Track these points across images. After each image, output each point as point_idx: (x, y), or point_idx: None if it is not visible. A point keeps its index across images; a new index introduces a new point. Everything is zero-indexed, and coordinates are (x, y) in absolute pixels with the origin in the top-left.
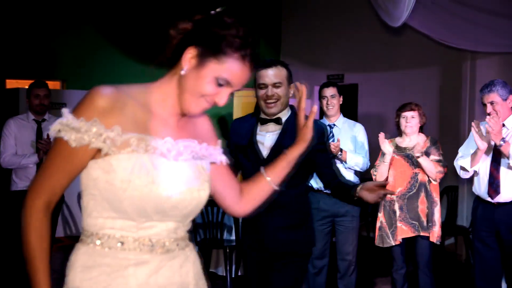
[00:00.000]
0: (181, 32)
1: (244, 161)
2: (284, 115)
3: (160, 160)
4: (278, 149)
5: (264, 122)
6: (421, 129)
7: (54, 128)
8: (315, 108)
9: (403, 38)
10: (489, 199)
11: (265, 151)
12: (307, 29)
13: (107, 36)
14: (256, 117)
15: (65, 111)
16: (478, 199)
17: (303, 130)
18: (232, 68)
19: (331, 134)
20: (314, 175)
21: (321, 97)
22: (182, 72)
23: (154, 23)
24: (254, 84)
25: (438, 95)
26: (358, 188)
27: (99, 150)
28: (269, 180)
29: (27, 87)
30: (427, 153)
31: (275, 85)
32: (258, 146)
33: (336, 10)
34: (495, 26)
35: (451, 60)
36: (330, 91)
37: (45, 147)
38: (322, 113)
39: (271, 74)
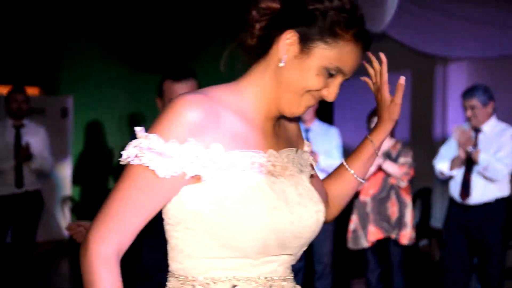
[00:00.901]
0: (267, 13)
1: None
2: None
3: (271, 179)
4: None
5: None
6: (392, 133)
7: (129, 153)
8: (403, 79)
9: (375, 43)
10: (461, 201)
11: None
12: None
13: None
14: None
15: (140, 130)
16: (451, 200)
17: (390, 107)
18: (344, 52)
19: (306, 137)
20: None
21: None
22: (281, 64)
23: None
24: (159, 93)
25: (410, 99)
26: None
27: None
28: (353, 174)
29: (4, 92)
30: (398, 156)
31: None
32: None
33: None
34: (467, 31)
35: (423, 64)
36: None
37: (24, 155)
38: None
39: (182, 89)
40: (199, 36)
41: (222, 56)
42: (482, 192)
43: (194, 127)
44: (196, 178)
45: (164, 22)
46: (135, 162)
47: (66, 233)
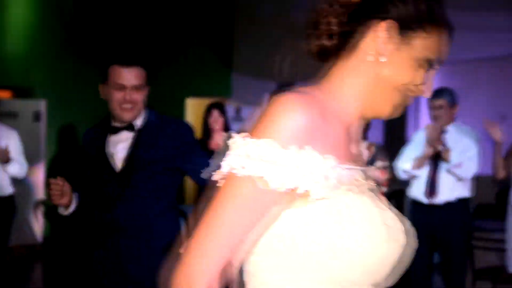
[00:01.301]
0: (347, 5)
1: (94, 175)
2: (139, 120)
3: (375, 200)
4: (135, 158)
5: (115, 131)
6: (365, 136)
7: (232, 163)
8: None
9: None
10: (425, 200)
11: (119, 163)
12: (258, 42)
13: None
14: (105, 124)
15: (240, 136)
16: (413, 203)
17: None
18: (441, 40)
19: None
20: None
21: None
22: (383, 59)
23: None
24: (102, 81)
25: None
26: None
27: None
28: None
29: None
30: (373, 160)
31: (135, 88)
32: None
33: (286, 24)
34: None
35: None
36: None
37: (4, 157)
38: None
39: (133, 74)
40: (174, 41)
41: (195, 60)
42: (449, 191)
43: (307, 133)
44: (303, 196)
45: (139, 27)
46: (242, 173)
47: (39, 237)
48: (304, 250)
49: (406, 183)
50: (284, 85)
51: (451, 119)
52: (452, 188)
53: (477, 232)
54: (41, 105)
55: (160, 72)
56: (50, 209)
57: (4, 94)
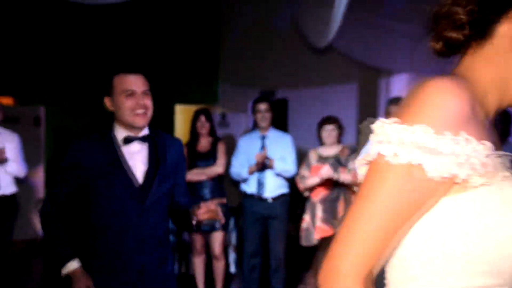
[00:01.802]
0: None
1: (115, 194)
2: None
3: None
4: (154, 172)
5: (128, 141)
6: (339, 139)
7: (382, 150)
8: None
9: (325, 57)
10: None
11: (140, 178)
12: (242, 51)
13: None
14: (108, 136)
15: (387, 122)
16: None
17: None
18: None
19: (263, 144)
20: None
21: (255, 111)
22: None
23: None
24: (108, 92)
25: (356, 109)
26: (193, 210)
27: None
28: None
29: None
30: (346, 161)
31: (144, 93)
32: (131, 171)
33: (268, 34)
34: (408, 47)
35: (369, 77)
36: (263, 106)
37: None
38: (255, 125)
39: (139, 80)
40: (165, 52)
41: (184, 70)
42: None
43: (461, 117)
44: (460, 184)
45: (131, 39)
46: (396, 161)
47: (39, 232)
48: (461, 240)
49: None
50: (266, 93)
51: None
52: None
53: None
54: (41, 111)
55: (151, 80)
56: None
57: (6, 101)
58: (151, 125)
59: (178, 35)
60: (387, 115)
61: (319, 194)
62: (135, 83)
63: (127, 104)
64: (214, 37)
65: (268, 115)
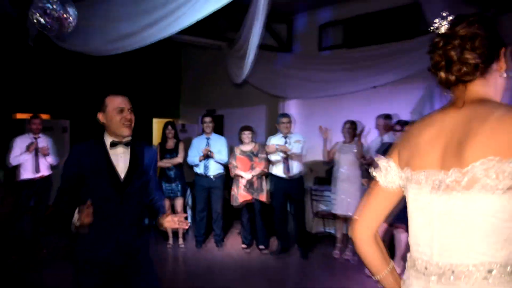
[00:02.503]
0: (482, 35)
1: (105, 184)
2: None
3: None
4: (133, 170)
5: (114, 145)
6: (254, 139)
7: None
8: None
9: (246, 88)
10: (284, 176)
11: (122, 174)
12: (195, 84)
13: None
14: (100, 141)
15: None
16: (276, 177)
17: None
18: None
19: (207, 143)
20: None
21: (203, 122)
22: (505, 75)
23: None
24: (101, 109)
25: (266, 122)
26: (161, 219)
27: None
28: None
29: (28, 117)
30: (258, 153)
31: (130, 110)
32: (115, 169)
33: (212, 74)
34: (295, 83)
35: (272, 101)
36: (208, 119)
37: (44, 152)
38: (203, 131)
39: (126, 100)
40: (145, 85)
41: (158, 95)
42: (296, 169)
43: None
44: None
45: (123, 71)
46: None
47: None
48: None
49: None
50: (210, 111)
51: (291, 130)
52: (297, 166)
53: (316, 192)
54: (67, 123)
55: (137, 102)
56: None
57: (44, 116)
58: (136, 132)
59: (155, 74)
60: (278, 124)
61: (243, 173)
62: (124, 102)
63: (118, 118)
64: (177, 76)
65: (211, 125)
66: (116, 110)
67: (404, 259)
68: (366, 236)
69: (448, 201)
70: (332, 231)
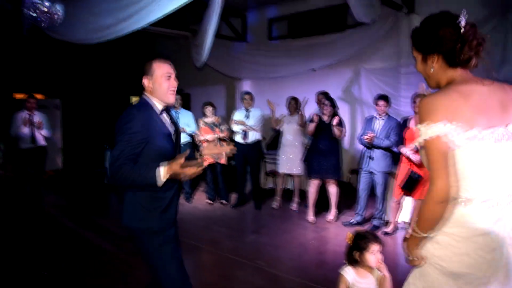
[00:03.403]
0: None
1: (169, 147)
2: None
3: None
4: (178, 133)
5: (162, 111)
6: (214, 114)
7: None
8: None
9: (207, 70)
10: (242, 141)
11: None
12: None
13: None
14: (153, 108)
15: None
16: (237, 142)
17: None
18: None
19: (177, 116)
20: None
21: None
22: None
23: None
24: (143, 74)
25: (224, 99)
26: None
27: None
28: None
29: (25, 97)
30: (219, 124)
31: (175, 77)
32: (171, 133)
33: (181, 58)
34: (250, 66)
35: (230, 81)
36: (177, 96)
37: (39, 126)
38: (174, 106)
39: (172, 67)
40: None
41: (135, 78)
42: (252, 136)
43: None
44: None
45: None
46: None
47: (59, 164)
48: None
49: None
50: (179, 89)
51: (252, 105)
52: (253, 135)
53: (267, 155)
54: (58, 102)
55: (116, 82)
56: (64, 152)
57: (39, 96)
58: (115, 108)
59: (133, 58)
60: (242, 100)
61: (205, 140)
62: (171, 68)
63: (166, 84)
64: (151, 59)
65: (180, 101)
66: (165, 77)
67: (336, 207)
68: (447, 196)
69: (509, 148)
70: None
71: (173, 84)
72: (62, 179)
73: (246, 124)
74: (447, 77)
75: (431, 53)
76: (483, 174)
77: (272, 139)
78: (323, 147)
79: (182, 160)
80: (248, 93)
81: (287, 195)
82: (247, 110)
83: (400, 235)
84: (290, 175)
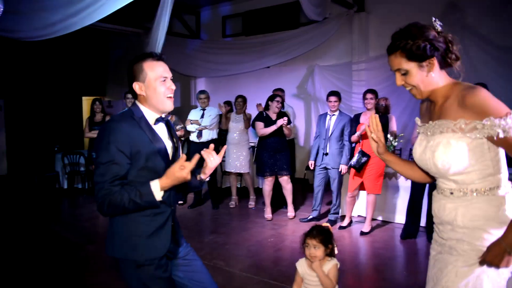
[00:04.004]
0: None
1: (163, 165)
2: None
3: None
4: (175, 147)
5: (157, 121)
6: (173, 112)
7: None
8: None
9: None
10: (197, 140)
11: (169, 151)
12: (118, 67)
13: None
14: (144, 118)
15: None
16: (191, 141)
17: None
18: None
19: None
20: None
21: (125, 98)
22: None
23: None
24: (132, 78)
25: (180, 97)
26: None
27: None
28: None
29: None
30: (175, 124)
31: (172, 79)
32: (167, 148)
33: (134, 52)
34: (205, 63)
35: (185, 79)
36: (130, 95)
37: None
38: (126, 106)
39: (167, 67)
40: (76, 75)
41: (89, 79)
42: (208, 135)
43: None
44: None
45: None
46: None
47: (4, 170)
48: None
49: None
50: (128, 90)
51: (208, 103)
52: (208, 133)
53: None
54: (1, 102)
55: (66, 82)
56: (9, 156)
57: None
58: (66, 109)
59: (84, 57)
60: (198, 99)
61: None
62: (166, 70)
63: (162, 89)
64: (104, 58)
65: (132, 101)
66: (160, 80)
67: (292, 203)
68: None
69: None
70: (238, 185)
71: (171, 87)
72: (7, 185)
73: (200, 123)
74: (442, 80)
75: (428, 58)
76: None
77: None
78: (274, 144)
79: (182, 161)
80: (203, 92)
81: (245, 193)
82: (203, 110)
83: (355, 228)
84: (239, 174)
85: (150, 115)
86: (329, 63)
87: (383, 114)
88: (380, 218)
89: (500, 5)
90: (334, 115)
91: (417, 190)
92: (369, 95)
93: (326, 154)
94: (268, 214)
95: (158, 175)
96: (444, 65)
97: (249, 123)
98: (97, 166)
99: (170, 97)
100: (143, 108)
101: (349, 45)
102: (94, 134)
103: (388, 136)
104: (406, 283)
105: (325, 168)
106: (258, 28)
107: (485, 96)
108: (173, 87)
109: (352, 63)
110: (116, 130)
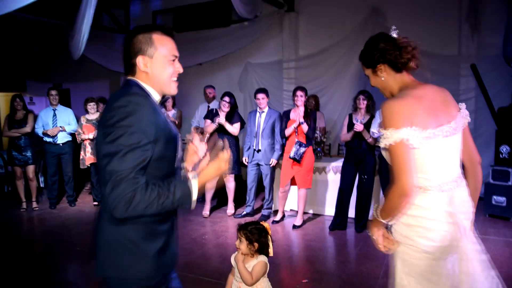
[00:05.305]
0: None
1: (174, 156)
2: None
3: None
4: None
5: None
6: (98, 110)
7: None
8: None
9: (90, 63)
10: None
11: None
12: (41, 60)
13: None
14: (152, 98)
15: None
16: None
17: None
18: None
19: (54, 114)
20: None
21: (49, 95)
22: None
23: None
24: (136, 51)
25: (109, 94)
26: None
27: None
28: None
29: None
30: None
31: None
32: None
33: (58, 46)
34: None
35: (114, 76)
36: (54, 92)
37: None
38: (50, 103)
39: (173, 43)
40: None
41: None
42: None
43: None
44: None
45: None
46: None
47: None
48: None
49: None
50: (56, 84)
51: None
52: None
53: None
54: None
55: None
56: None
57: None
58: None
59: (4, 52)
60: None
61: (88, 141)
62: (176, 48)
63: (170, 70)
64: (24, 52)
65: (57, 97)
66: (170, 59)
67: (233, 200)
68: (410, 192)
69: (453, 140)
70: None
71: (179, 69)
72: None
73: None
74: (397, 82)
75: (377, 64)
76: (437, 165)
77: None
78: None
79: (225, 152)
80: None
81: None
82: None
83: (287, 222)
84: None
85: (155, 96)
86: (260, 61)
87: (312, 110)
88: (311, 211)
89: (419, 10)
90: (263, 112)
91: (346, 184)
92: (299, 92)
93: (258, 150)
94: (205, 211)
95: (173, 168)
96: (401, 68)
97: (181, 120)
98: (113, 152)
99: (175, 81)
100: (147, 87)
101: (279, 43)
102: (14, 133)
103: (317, 132)
104: (336, 272)
105: (258, 165)
106: (190, 25)
107: (387, 109)
108: (181, 70)
109: (283, 61)
110: (141, 106)
